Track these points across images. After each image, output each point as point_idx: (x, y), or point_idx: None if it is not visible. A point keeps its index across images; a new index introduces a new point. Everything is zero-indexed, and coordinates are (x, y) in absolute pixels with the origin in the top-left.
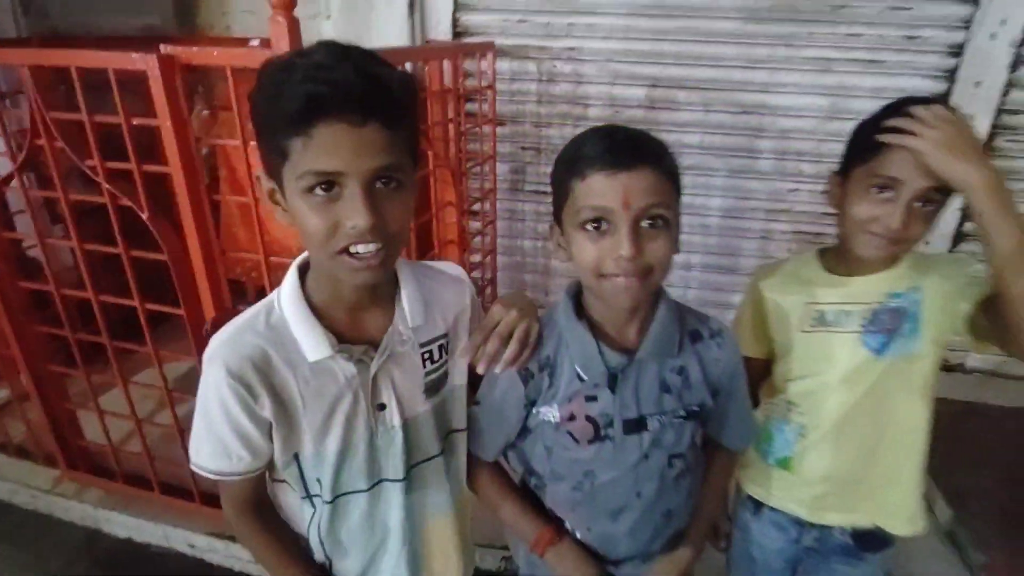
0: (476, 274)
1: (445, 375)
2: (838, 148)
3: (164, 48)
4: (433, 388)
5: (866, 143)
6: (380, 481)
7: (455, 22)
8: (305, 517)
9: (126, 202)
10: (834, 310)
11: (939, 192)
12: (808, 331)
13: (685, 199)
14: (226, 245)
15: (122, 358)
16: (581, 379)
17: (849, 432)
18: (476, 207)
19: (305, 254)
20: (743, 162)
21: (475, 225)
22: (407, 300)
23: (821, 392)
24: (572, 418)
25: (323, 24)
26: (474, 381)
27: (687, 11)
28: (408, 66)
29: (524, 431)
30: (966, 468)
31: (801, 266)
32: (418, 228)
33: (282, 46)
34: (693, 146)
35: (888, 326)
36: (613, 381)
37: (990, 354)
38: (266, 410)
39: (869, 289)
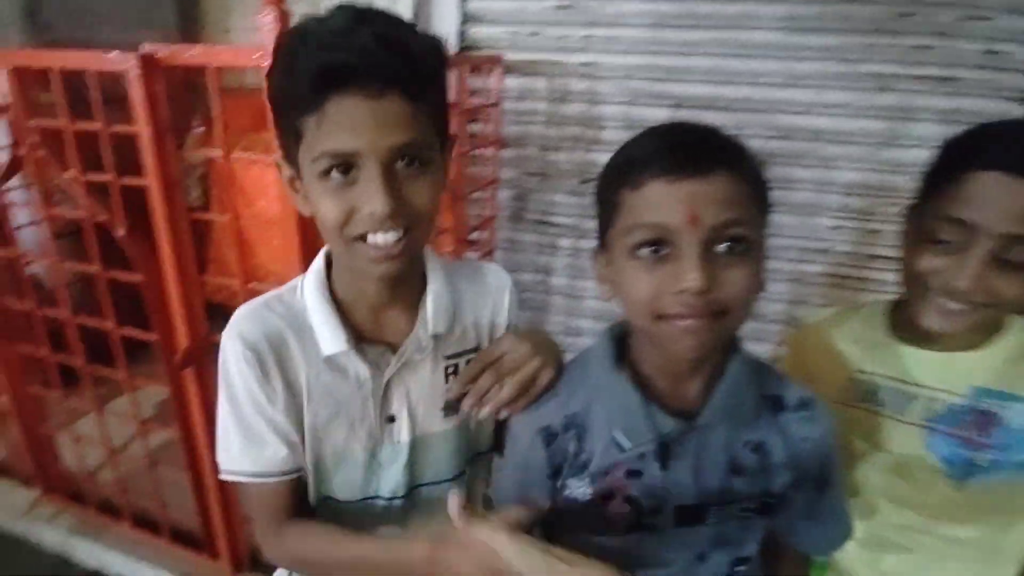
0: None
1: None
2: (893, 180)
3: (144, 47)
4: (456, 406)
5: (939, 170)
6: (374, 497)
7: (462, 35)
8: None
9: (101, 219)
10: (890, 388)
11: None
12: (854, 406)
13: None
14: (216, 268)
15: (101, 382)
16: (621, 448)
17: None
18: (474, 235)
19: None
20: (776, 194)
21: (472, 255)
22: (431, 303)
23: (860, 495)
24: (608, 496)
25: None
26: None
27: (720, 21)
28: None
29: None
30: None
31: (861, 321)
32: None
33: (270, 41)
34: None
35: (971, 434)
36: (665, 452)
37: None
38: (278, 396)
39: (947, 371)
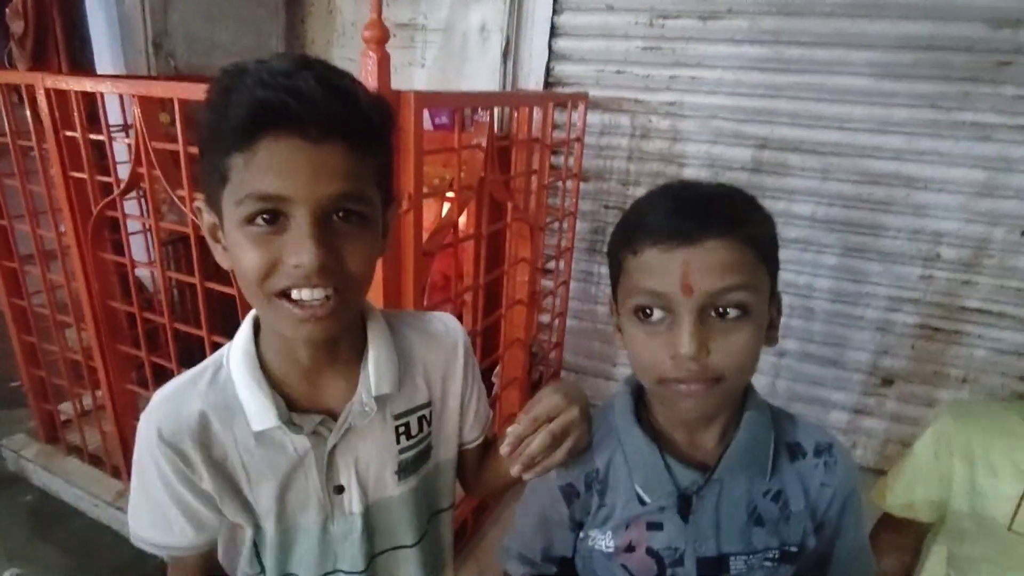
0: (543, 336)
1: (428, 450)
2: (990, 231)
3: None
4: (410, 467)
5: None
6: (334, 571)
7: (548, 72)
8: None
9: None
10: None
11: None
12: (1019, 533)
13: (787, 276)
14: None
15: None
16: (642, 501)
17: None
18: (550, 265)
19: None
20: (863, 239)
21: (547, 284)
22: (373, 364)
23: None
24: (630, 549)
25: (416, 72)
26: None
27: (809, 65)
28: (495, 112)
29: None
30: None
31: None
32: (488, 284)
33: (370, 83)
34: (803, 217)
35: None
36: (685, 505)
37: None
38: (205, 483)
39: None
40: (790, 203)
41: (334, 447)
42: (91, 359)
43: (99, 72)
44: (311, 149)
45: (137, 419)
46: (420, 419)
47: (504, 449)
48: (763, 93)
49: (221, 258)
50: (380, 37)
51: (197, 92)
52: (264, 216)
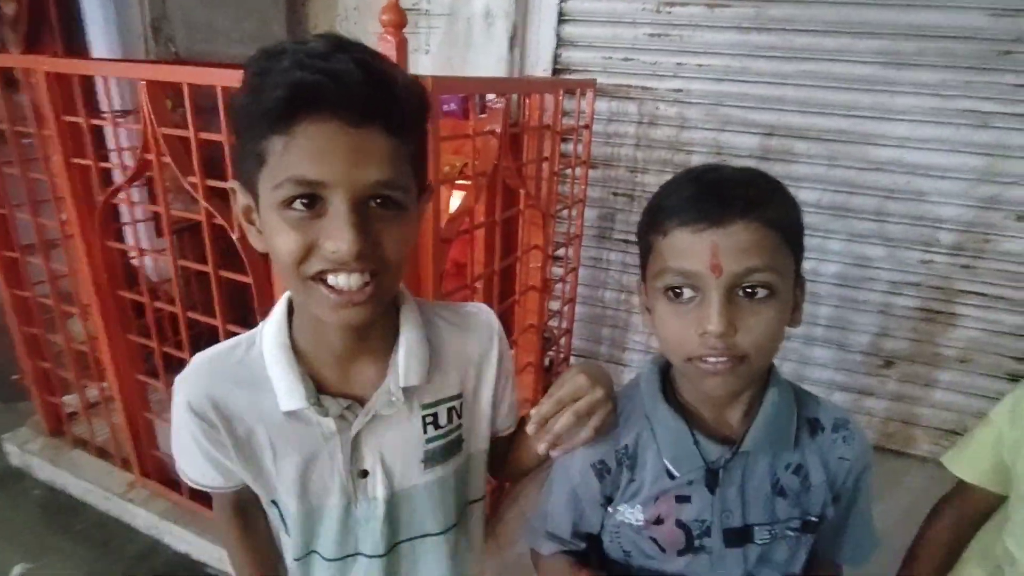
0: (553, 323)
1: (459, 441)
2: (988, 216)
3: None
4: (438, 457)
5: None
6: (354, 554)
7: (556, 58)
8: (286, 561)
9: (220, 221)
10: None
11: None
12: None
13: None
14: None
15: None
16: (671, 475)
17: None
18: (559, 252)
19: None
20: (868, 225)
21: (557, 271)
22: (404, 354)
23: None
24: (659, 521)
25: (421, 58)
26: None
27: (816, 53)
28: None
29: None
30: None
31: None
32: (502, 271)
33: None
34: (810, 204)
35: None
36: (712, 479)
37: None
38: (231, 452)
39: None
40: (796, 190)
41: (359, 432)
42: (97, 350)
43: (95, 57)
44: (351, 133)
45: (148, 410)
46: (450, 410)
47: (530, 428)
48: (770, 81)
49: (255, 240)
50: (398, 21)
51: (207, 77)
52: (302, 200)
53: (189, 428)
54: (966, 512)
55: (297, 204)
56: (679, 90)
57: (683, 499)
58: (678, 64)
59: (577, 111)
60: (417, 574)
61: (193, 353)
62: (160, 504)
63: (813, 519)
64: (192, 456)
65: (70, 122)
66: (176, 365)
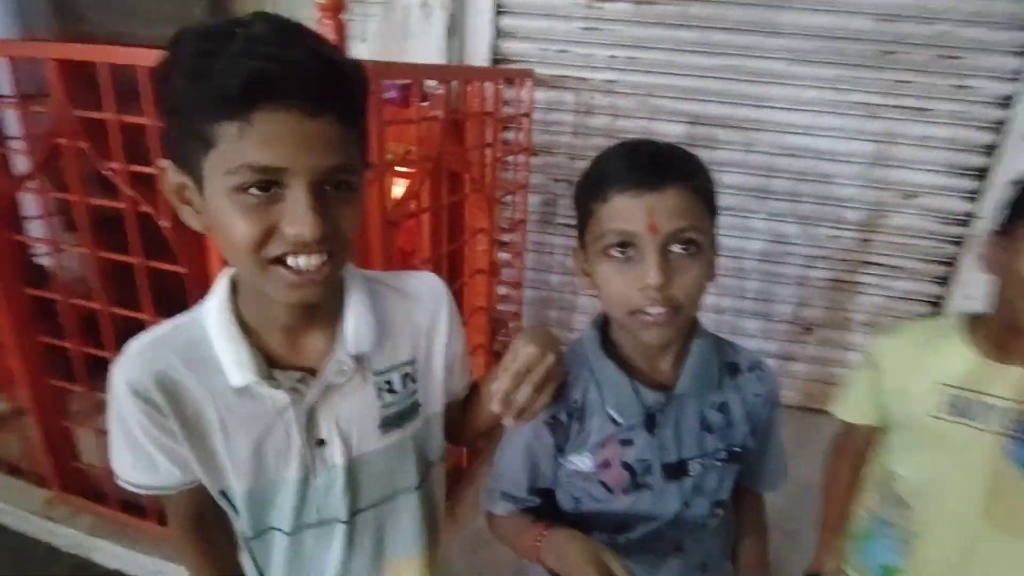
0: (502, 306)
1: (415, 405)
2: (881, 195)
3: None
4: (396, 421)
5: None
6: (317, 523)
7: (494, 49)
8: (244, 548)
9: (145, 210)
10: (973, 399)
11: None
12: (936, 417)
13: (721, 240)
14: None
15: None
16: (615, 422)
17: (976, 566)
18: (505, 238)
19: None
20: (783, 205)
21: (503, 256)
22: (352, 322)
23: (939, 499)
24: (606, 465)
25: (358, 46)
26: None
27: (732, 49)
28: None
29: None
30: None
31: (936, 335)
32: (450, 255)
33: None
34: (732, 187)
35: None
36: (651, 422)
37: None
38: (177, 435)
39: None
40: (720, 174)
41: (315, 403)
42: (3, 357)
43: None
44: (308, 122)
45: (67, 419)
46: (404, 376)
47: (495, 407)
48: (693, 74)
49: (192, 219)
50: (336, 5)
51: (131, 56)
52: (259, 185)
53: (133, 415)
54: (858, 448)
55: (253, 189)
56: (612, 81)
57: (627, 442)
58: (610, 56)
59: (516, 100)
60: (384, 538)
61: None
62: (85, 519)
63: (737, 449)
64: (136, 451)
65: None
66: (97, 369)
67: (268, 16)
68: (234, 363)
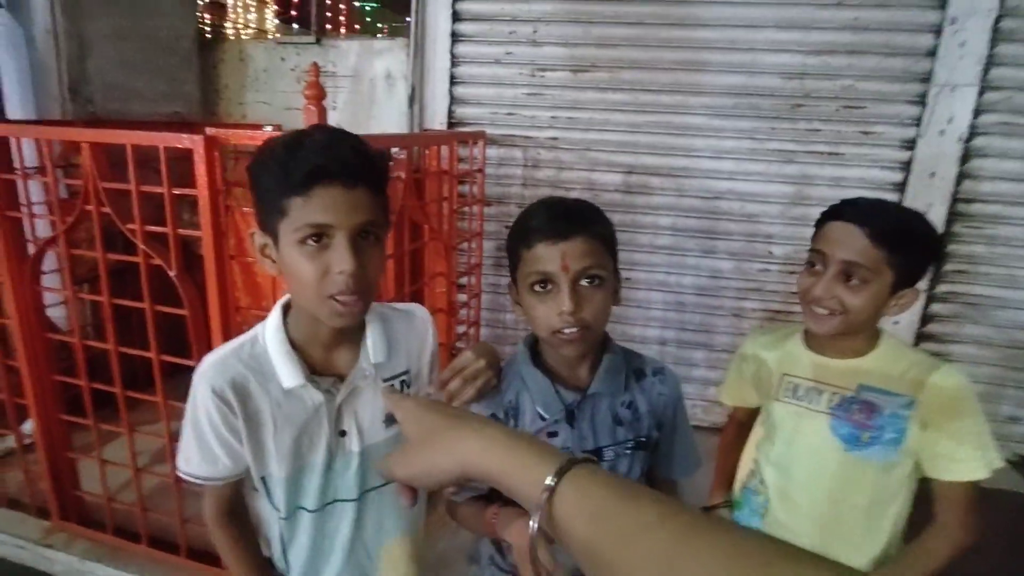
0: (460, 344)
1: None
2: (803, 231)
3: (209, 130)
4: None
5: (818, 223)
6: (332, 501)
7: (450, 114)
8: (273, 528)
9: (155, 262)
10: (805, 386)
11: (867, 269)
12: (782, 401)
13: (659, 277)
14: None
15: (128, 411)
16: (542, 418)
17: (810, 523)
18: (463, 280)
19: (287, 296)
20: (715, 243)
21: (461, 297)
22: (371, 340)
23: (786, 470)
24: None
25: (330, 115)
26: None
27: (660, 107)
28: (402, 151)
29: None
30: None
31: (788, 336)
32: (412, 295)
33: (310, 123)
34: (667, 228)
35: (858, 418)
36: (571, 416)
37: None
38: (240, 428)
39: (842, 372)
40: (656, 217)
41: (341, 402)
42: (16, 396)
43: (9, 117)
44: (348, 192)
45: (72, 451)
46: (402, 383)
47: (432, 389)
48: (626, 129)
49: (269, 267)
50: (319, 95)
51: (153, 139)
52: (313, 238)
53: (209, 413)
54: (739, 424)
55: (310, 241)
56: (555, 138)
57: (552, 434)
58: (552, 117)
59: (470, 157)
60: (384, 516)
61: (126, 389)
62: (81, 545)
63: (643, 439)
64: (203, 449)
65: (4, 179)
66: (99, 404)
67: (323, 127)
68: (286, 370)
